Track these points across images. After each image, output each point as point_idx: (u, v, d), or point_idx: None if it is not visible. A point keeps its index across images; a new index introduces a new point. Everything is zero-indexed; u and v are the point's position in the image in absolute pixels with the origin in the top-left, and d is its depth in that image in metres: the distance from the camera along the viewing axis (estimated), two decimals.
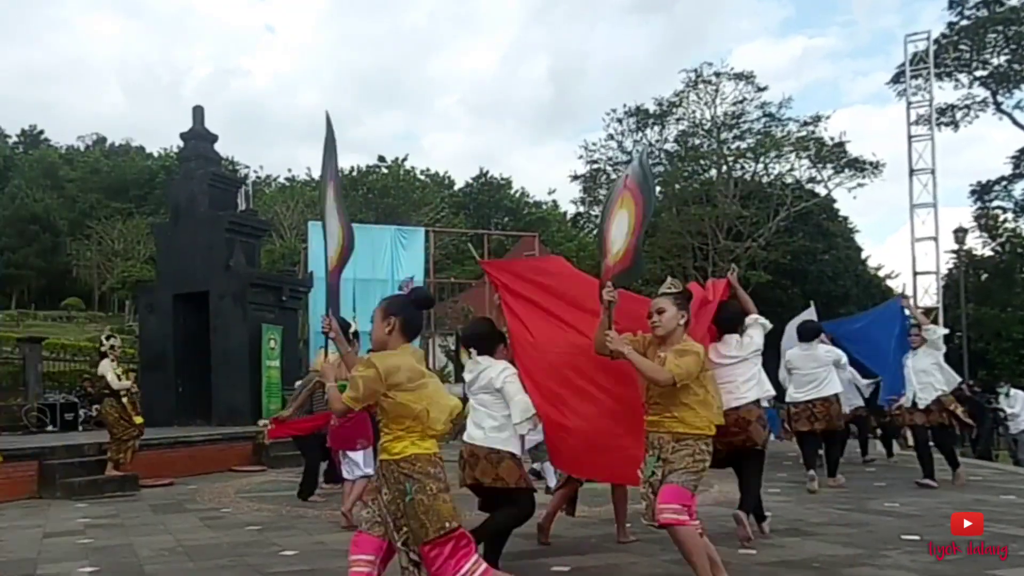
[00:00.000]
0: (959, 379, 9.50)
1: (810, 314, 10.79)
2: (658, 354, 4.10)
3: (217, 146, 17.27)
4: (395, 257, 18.87)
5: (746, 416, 5.42)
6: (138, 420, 10.02)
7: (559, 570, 4.84)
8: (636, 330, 4.34)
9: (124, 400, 9.83)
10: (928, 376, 8.45)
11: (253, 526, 6.81)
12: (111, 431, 9.85)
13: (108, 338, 10.42)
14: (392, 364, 3.26)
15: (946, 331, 9.19)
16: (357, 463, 6.62)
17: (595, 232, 38.57)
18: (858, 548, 5.38)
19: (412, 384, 3.28)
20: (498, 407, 4.48)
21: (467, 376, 4.70)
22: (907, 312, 9.51)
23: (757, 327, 5.74)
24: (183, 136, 16.99)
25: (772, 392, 5.98)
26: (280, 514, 7.49)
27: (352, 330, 7.29)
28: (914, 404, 8.52)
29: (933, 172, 15.52)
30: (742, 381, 5.53)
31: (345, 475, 6.78)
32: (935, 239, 15.52)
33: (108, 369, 9.83)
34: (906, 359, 8.70)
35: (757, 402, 5.58)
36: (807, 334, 8.65)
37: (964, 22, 27.01)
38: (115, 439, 9.82)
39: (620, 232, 4.23)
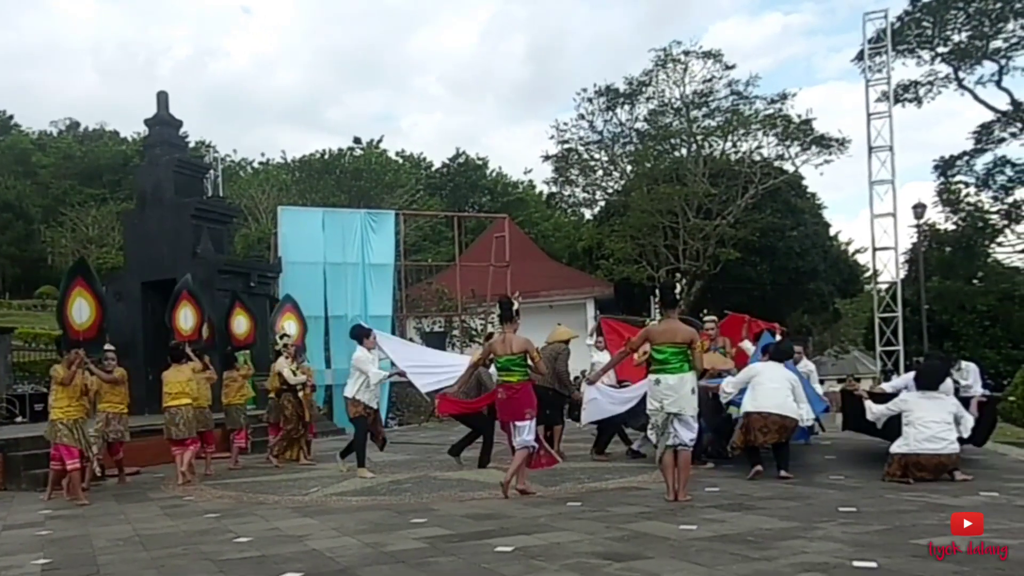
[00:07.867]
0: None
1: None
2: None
3: (194, 130, 17.46)
4: (365, 241, 18.84)
5: None
6: (308, 416, 10.59)
7: (503, 550, 4.99)
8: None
9: (300, 396, 10.38)
10: None
11: (212, 514, 6.92)
12: (285, 426, 10.37)
13: (282, 337, 11.16)
14: None
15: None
16: (522, 432, 6.94)
17: (568, 212, 39.18)
18: (794, 521, 5.59)
19: None
20: None
21: None
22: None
23: None
24: (147, 122, 16.81)
25: None
26: (241, 501, 7.61)
27: (515, 308, 7.29)
28: None
29: (891, 149, 15.80)
30: None
31: (516, 445, 7.03)
32: (893, 215, 15.83)
33: (284, 366, 10.44)
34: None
35: None
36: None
37: None
38: (287, 435, 10.35)
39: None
